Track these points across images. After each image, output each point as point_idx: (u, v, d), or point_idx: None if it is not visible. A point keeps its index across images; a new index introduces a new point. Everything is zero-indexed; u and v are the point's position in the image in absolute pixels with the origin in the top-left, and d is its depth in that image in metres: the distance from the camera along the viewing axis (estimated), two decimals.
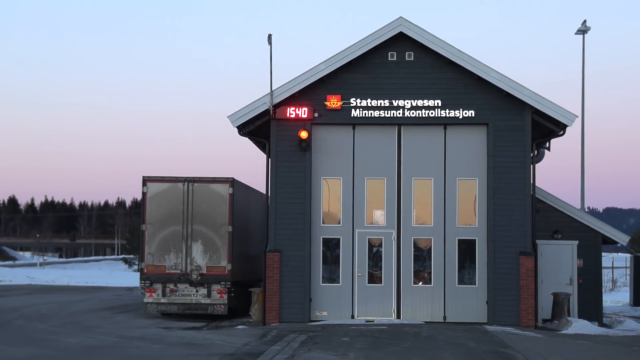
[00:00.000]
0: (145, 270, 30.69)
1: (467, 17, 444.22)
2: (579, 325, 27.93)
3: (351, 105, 29.05)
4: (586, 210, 41.50)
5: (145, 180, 30.95)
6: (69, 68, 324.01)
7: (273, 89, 28.63)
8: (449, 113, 28.89)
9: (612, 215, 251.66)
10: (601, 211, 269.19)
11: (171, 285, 30.53)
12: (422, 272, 29.30)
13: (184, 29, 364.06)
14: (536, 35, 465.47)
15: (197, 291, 30.54)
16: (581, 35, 42.64)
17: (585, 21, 41.72)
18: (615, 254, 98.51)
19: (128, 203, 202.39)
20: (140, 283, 30.99)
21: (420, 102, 28.98)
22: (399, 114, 29.00)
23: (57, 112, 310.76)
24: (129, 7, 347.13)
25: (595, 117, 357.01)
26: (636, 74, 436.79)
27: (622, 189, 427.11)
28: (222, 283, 30.34)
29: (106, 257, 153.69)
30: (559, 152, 60.47)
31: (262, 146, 30.74)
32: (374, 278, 29.26)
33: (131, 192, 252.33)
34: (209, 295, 30.48)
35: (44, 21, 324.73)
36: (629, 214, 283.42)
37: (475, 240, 29.07)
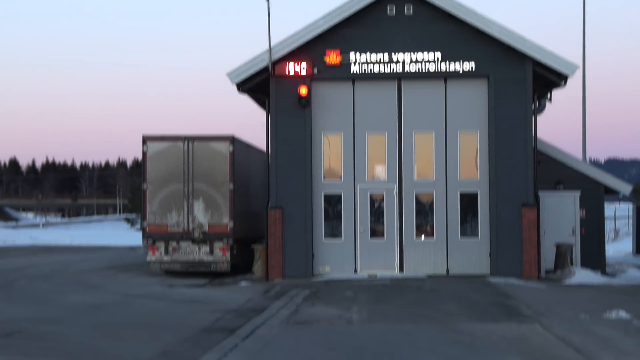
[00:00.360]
0: (147, 229, 30.70)
1: None
2: (582, 275, 27.98)
3: (350, 60, 28.88)
4: (588, 161, 41.44)
5: (145, 139, 30.88)
6: (68, 25, 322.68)
7: (272, 46, 28.48)
8: (449, 66, 28.73)
9: (613, 166, 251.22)
10: (603, 162, 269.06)
11: (174, 244, 30.55)
12: (424, 226, 29.30)
13: None
14: None
15: (199, 249, 30.56)
16: None
17: None
18: (618, 204, 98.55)
19: (129, 163, 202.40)
20: (143, 242, 31.02)
21: (420, 56, 28.81)
22: (399, 68, 28.85)
23: (57, 71, 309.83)
24: None
25: (596, 64, 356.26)
26: (637, 20, 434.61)
27: (624, 139, 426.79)
28: (224, 240, 30.35)
29: (108, 216, 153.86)
30: (560, 102, 60.39)
31: (261, 103, 30.62)
32: (376, 233, 29.26)
33: (132, 152, 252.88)
34: (211, 252, 30.51)
35: None
36: (631, 164, 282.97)
37: (477, 193, 29.03)
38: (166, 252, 30.57)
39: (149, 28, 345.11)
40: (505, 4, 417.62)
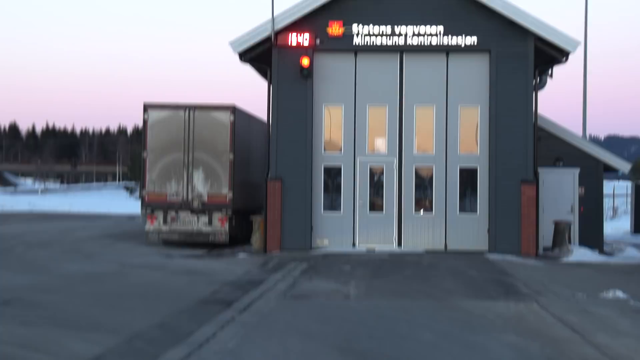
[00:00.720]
0: (146, 198, 30.66)
1: None
2: (580, 253, 28.01)
3: (353, 32, 28.77)
4: (588, 138, 41.37)
5: (146, 107, 30.80)
6: None
7: (275, 15, 28.35)
8: (451, 40, 28.62)
9: (613, 143, 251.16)
10: (602, 139, 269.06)
11: (172, 213, 30.53)
12: (423, 200, 29.28)
13: None
14: None
15: (198, 219, 30.54)
16: None
17: None
18: (617, 181, 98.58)
19: (130, 130, 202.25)
20: (142, 211, 30.98)
21: (422, 29, 28.69)
22: (401, 40, 28.74)
23: (58, 34, 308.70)
24: None
25: (598, 41, 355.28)
26: None
27: (624, 116, 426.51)
28: (223, 211, 30.33)
29: (107, 184, 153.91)
30: (561, 78, 60.25)
31: (263, 73, 30.51)
32: (375, 207, 29.24)
33: (133, 119, 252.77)
34: (210, 223, 30.49)
35: None
36: (631, 142, 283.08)
37: (476, 168, 28.99)
38: (165, 221, 30.54)
39: None
40: None
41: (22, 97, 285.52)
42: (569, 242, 29.08)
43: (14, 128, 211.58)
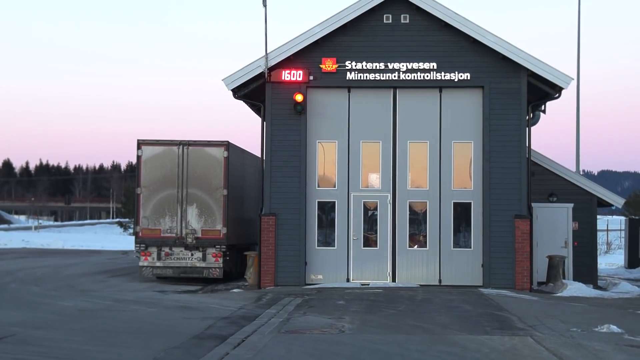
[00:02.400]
0: (140, 234, 30.66)
1: None
2: (574, 288, 27.97)
3: (346, 68, 28.91)
4: (581, 173, 41.48)
5: (140, 144, 30.87)
6: (63, 27, 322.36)
7: (268, 52, 28.48)
8: (444, 76, 28.77)
9: (607, 177, 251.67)
10: (596, 174, 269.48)
11: (166, 249, 30.51)
12: (417, 235, 29.29)
13: None
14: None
15: (192, 255, 30.52)
16: None
17: None
18: (610, 216, 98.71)
19: (123, 166, 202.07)
20: (136, 247, 30.97)
21: (415, 65, 28.85)
22: (395, 76, 28.87)
23: (52, 73, 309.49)
24: None
25: (591, 79, 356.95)
26: (631, 36, 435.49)
27: (617, 151, 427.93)
28: (217, 246, 30.34)
29: (101, 220, 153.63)
30: (554, 114, 60.60)
31: (257, 109, 30.60)
32: (369, 241, 29.25)
33: (126, 156, 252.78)
34: (204, 258, 30.48)
35: None
36: (624, 176, 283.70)
37: (470, 203, 29.04)
38: (159, 257, 30.51)
39: (145, 32, 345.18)
40: (502, 14, 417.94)
41: (16, 135, 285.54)
42: (563, 276, 29.07)
43: (7, 165, 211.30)
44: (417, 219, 29.39)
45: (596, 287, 30.21)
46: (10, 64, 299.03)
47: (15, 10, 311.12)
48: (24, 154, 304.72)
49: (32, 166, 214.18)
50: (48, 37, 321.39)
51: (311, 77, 28.87)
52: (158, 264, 30.57)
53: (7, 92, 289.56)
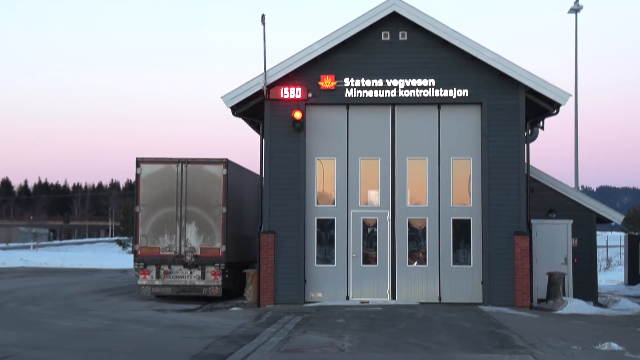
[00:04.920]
0: (139, 252, 30.57)
1: (461, 1, 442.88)
2: (575, 305, 27.87)
3: (345, 85, 28.91)
4: (580, 189, 41.48)
5: (139, 162, 30.82)
6: (62, 46, 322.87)
7: (267, 69, 28.48)
8: (442, 92, 28.77)
9: (605, 194, 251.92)
10: (595, 190, 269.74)
11: (165, 267, 30.42)
12: (416, 252, 29.22)
13: (177, 8, 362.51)
14: (529, 15, 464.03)
15: (191, 273, 30.44)
16: (574, 14, 42.57)
17: (577, 0, 41.60)
18: (610, 232, 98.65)
19: (122, 184, 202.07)
20: (134, 265, 30.86)
21: (414, 82, 28.85)
22: (393, 93, 28.87)
23: (51, 90, 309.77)
24: None
25: (588, 95, 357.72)
26: (628, 53, 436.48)
27: (616, 167, 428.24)
28: (216, 265, 30.24)
29: (100, 239, 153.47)
30: (553, 130, 60.64)
31: (256, 127, 30.57)
32: (368, 259, 29.17)
33: (125, 174, 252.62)
34: (203, 277, 30.39)
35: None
36: (623, 192, 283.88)
37: (469, 220, 28.99)
38: (157, 275, 30.42)
39: (143, 50, 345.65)
40: (499, 30, 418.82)
41: (15, 153, 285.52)
42: (563, 293, 28.98)
43: (6, 184, 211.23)
44: (417, 236, 29.33)
45: (596, 304, 30.12)
46: (10, 80, 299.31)
47: (19, 26, 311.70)
48: (23, 172, 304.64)
49: (30, 184, 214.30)
50: (46, 56, 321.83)
51: (310, 95, 28.87)
52: (157, 282, 30.47)
53: (5, 110, 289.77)
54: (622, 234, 67.09)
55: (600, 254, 54.19)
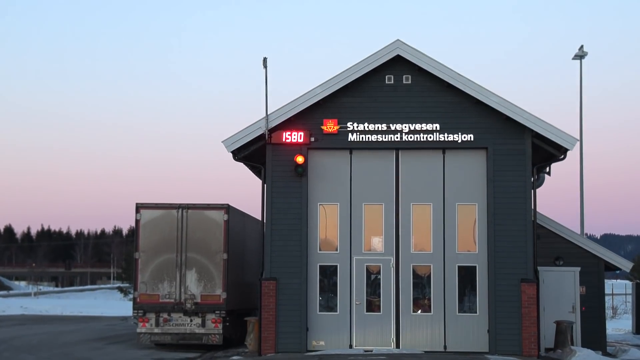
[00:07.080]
0: (138, 300, 30.12)
1: (466, 45, 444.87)
2: (583, 355, 27.23)
3: (348, 129, 28.55)
4: (585, 236, 40.96)
5: (139, 207, 30.49)
6: (62, 89, 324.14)
7: (268, 113, 28.15)
8: (447, 137, 28.39)
9: (610, 241, 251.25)
10: (599, 237, 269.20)
11: (165, 315, 29.94)
12: (421, 299, 28.68)
13: (178, 52, 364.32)
14: (534, 61, 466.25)
15: (191, 320, 29.96)
16: (578, 60, 42.32)
17: (582, 46, 41.38)
18: (615, 280, 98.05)
19: (124, 231, 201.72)
20: (133, 312, 30.41)
21: (418, 126, 28.49)
22: (397, 138, 28.50)
23: (52, 137, 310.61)
24: (124, 23, 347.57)
25: (591, 140, 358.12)
26: (632, 100, 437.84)
27: (620, 215, 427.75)
28: (216, 312, 29.79)
29: (102, 285, 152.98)
30: (555, 175, 60.13)
31: (257, 171, 30.19)
32: (372, 306, 28.63)
33: (128, 220, 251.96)
34: (203, 324, 29.91)
35: (35, 38, 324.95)
36: (627, 240, 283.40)
37: (475, 267, 28.48)
38: (157, 323, 29.94)
39: (144, 94, 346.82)
40: (505, 74, 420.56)
41: (18, 200, 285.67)
42: (572, 342, 28.42)
43: (9, 231, 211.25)
44: (421, 283, 28.81)
45: (605, 353, 29.57)
46: (13, 125, 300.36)
47: (19, 72, 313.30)
48: (26, 219, 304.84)
49: (33, 231, 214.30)
50: (46, 101, 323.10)
51: (312, 139, 28.51)
52: (156, 330, 29.99)
53: (9, 155, 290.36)
54: (627, 282, 66.57)
55: (607, 302, 53.63)
